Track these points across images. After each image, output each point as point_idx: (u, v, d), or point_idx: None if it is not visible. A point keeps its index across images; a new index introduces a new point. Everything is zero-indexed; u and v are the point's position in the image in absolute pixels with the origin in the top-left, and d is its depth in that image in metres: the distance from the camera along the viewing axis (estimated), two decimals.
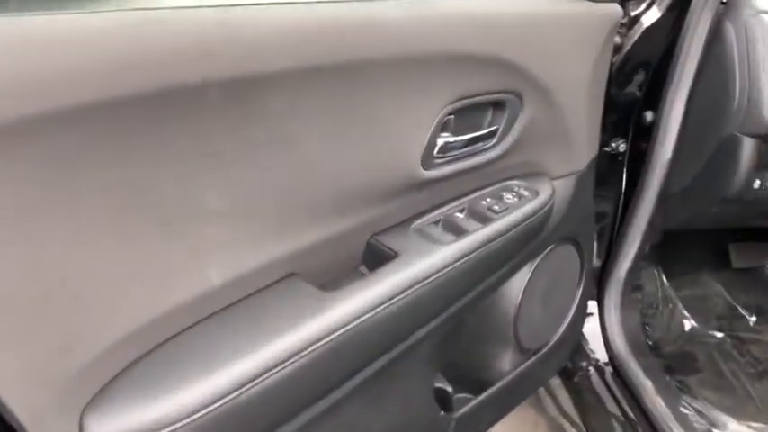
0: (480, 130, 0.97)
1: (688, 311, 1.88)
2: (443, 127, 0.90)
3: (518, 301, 1.16)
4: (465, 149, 0.95)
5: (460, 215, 1.00)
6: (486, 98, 0.94)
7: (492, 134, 0.99)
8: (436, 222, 0.98)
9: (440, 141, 0.91)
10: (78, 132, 0.52)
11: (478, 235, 0.95)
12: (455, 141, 0.93)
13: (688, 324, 1.87)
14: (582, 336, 1.59)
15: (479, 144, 0.98)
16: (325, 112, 0.72)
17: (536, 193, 1.07)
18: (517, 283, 1.16)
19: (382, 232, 0.93)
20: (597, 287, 1.59)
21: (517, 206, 1.03)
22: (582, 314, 1.45)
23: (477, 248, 0.94)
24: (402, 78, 0.79)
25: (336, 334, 0.75)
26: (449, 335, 1.09)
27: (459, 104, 0.89)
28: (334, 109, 0.73)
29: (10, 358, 0.52)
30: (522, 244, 1.07)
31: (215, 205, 0.66)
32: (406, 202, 0.93)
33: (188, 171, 0.62)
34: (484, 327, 1.17)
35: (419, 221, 0.96)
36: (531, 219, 1.04)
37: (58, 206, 0.53)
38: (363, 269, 0.94)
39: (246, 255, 0.73)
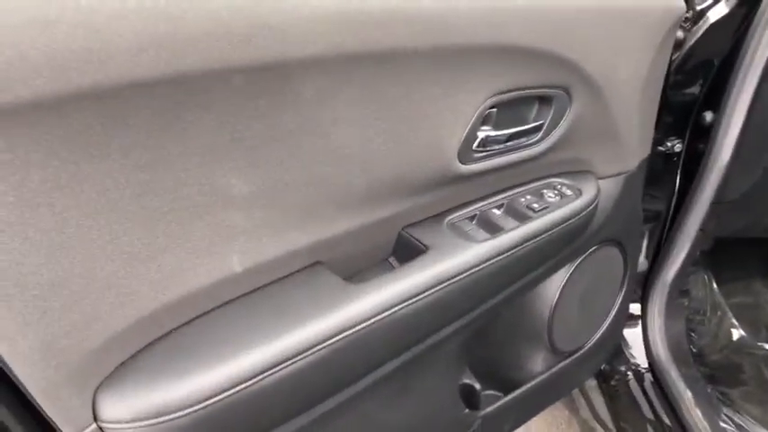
0: (524, 125, 0.93)
1: (737, 320, 1.80)
2: (484, 120, 0.86)
3: (554, 303, 1.13)
4: (507, 144, 0.92)
5: (497, 212, 0.97)
6: (533, 92, 0.90)
7: (536, 129, 0.95)
8: (471, 218, 0.95)
9: (480, 135, 0.88)
10: (104, 113, 0.52)
11: (514, 234, 0.92)
12: (497, 135, 0.90)
13: (736, 333, 1.79)
14: (623, 339, 1.54)
15: (522, 139, 0.94)
16: (359, 100, 0.70)
17: (579, 193, 1.03)
18: (554, 284, 1.13)
19: (414, 225, 0.90)
20: (642, 290, 1.54)
21: (558, 205, 0.99)
22: (622, 318, 1.40)
23: (513, 248, 0.91)
24: (443, 69, 0.76)
25: (360, 327, 0.74)
26: (479, 331, 1.07)
27: (502, 97, 0.85)
28: (369, 98, 0.71)
29: (27, 336, 0.53)
30: (562, 245, 1.03)
31: (238, 191, 0.65)
32: (440, 196, 0.90)
33: (212, 155, 0.61)
34: (517, 326, 1.14)
35: (453, 216, 0.94)
36: (573, 220, 1.00)
37: (82, 186, 0.53)
38: (393, 261, 0.92)
39: (270, 242, 0.72)
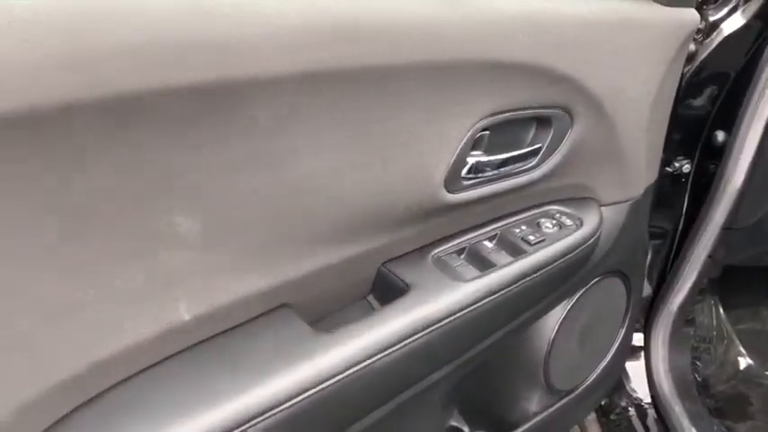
0: (520, 149, 0.84)
1: (745, 348, 1.70)
2: (475, 144, 0.77)
3: (551, 340, 1.03)
4: (500, 170, 0.82)
5: (489, 245, 0.87)
6: (529, 113, 0.80)
7: (533, 153, 0.86)
8: (460, 251, 0.85)
9: (470, 161, 0.78)
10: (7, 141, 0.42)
11: (507, 271, 0.82)
12: (489, 161, 0.81)
13: (744, 362, 1.68)
14: (623, 371, 1.44)
15: (518, 164, 0.84)
16: (325, 125, 0.60)
17: (580, 223, 0.94)
18: (551, 320, 1.03)
19: (395, 260, 0.81)
20: (645, 319, 1.44)
21: (557, 237, 0.90)
22: (624, 352, 1.31)
23: (506, 287, 0.81)
24: (427, 88, 0.67)
25: (332, 381, 0.65)
26: (469, 372, 0.97)
27: (495, 119, 0.76)
28: (337, 122, 0.61)
29: None
30: (560, 281, 0.94)
31: (181, 230, 0.56)
32: (425, 228, 0.81)
33: (147, 192, 0.51)
34: (510, 365, 1.05)
35: (440, 249, 0.84)
36: (573, 253, 0.90)
37: None
38: (372, 300, 0.83)
39: (224, 285, 0.62)
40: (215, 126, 0.52)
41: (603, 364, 1.21)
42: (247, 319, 0.67)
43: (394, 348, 0.70)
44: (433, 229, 0.83)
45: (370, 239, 0.74)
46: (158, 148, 0.50)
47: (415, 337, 0.72)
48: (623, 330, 1.22)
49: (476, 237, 0.88)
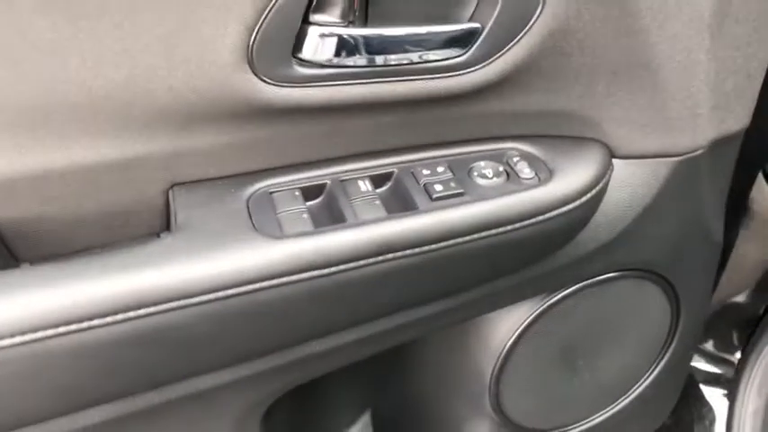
0: (432, 23, 0.48)
1: None
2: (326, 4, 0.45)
3: (500, 354, 0.67)
4: (388, 57, 0.48)
5: (364, 186, 0.53)
6: None
7: (462, 39, 0.49)
8: (311, 192, 0.53)
9: (316, 33, 0.46)
10: None
11: (359, 234, 0.49)
12: (356, 37, 0.47)
13: None
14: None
15: (429, 52, 0.49)
16: None
17: (548, 175, 0.56)
18: (503, 328, 0.66)
19: (190, 185, 0.50)
20: (742, 353, 0.98)
21: (487, 193, 0.53)
22: (668, 393, 0.89)
23: (345, 261, 0.48)
24: None
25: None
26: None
27: None
28: None
29: None
30: (486, 266, 0.57)
31: None
32: (242, 142, 0.50)
33: None
34: (431, 380, 0.70)
35: (273, 182, 0.52)
36: (514, 226, 0.53)
37: None
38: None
39: None
40: None
41: (619, 406, 0.80)
42: None
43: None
44: (258, 146, 0.51)
45: (135, 139, 0.45)
46: None
47: (118, 318, 0.43)
48: (663, 361, 0.80)
49: (349, 172, 0.54)
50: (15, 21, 0.39)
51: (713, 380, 1.12)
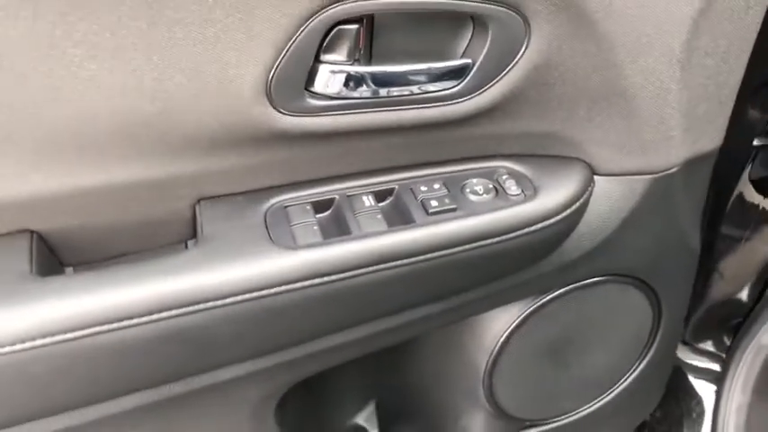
0: (429, 60, 0.54)
1: None
2: (335, 46, 0.51)
3: (493, 350, 0.74)
4: (390, 89, 0.54)
5: (368, 202, 0.60)
6: (439, 3, 0.51)
7: (456, 73, 0.55)
8: (321, 205, 0.60)
9: (328, 70, 0.52)
10: None
11: (361, 246, 0.55)
12: (362, 73, 0.53)
13: None
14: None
15: (426, 86, 0.55)
16: None
17: (533, 193, 0.62)
18: (496, 327, 0.73)
19: (214, 199, 0.57)
20: (727, 351, 1.04)
21: (478, 208, 0.60)
22: (650, 389, 0.95)
23: (350, 269, 0.55)
24: None
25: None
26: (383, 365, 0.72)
27: (366, 6, 0.48)
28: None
29: None
30: (477, 273, 0.63)
31: None
32: (260, 162, 0.57)
33: None
34: (432, 371, 0.77)
35: (288, 196, 0.59)
36: (501, 238, 0.59)
37: None
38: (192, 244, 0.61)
39: None
40: None
41: (605, 399, 0.87)
42: None
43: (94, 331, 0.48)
44: (275, 166, 0.57)
45: (167, 162, 0.52)
46: None
47: (159, 316, 0.49)
48: (646, 358, 0.86)
49: (355, 188, 0.60)
50: (58, 53, 0.44)
51: (702, 374, 1.17)
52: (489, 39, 0.53)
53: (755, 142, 0.81)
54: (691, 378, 1.18)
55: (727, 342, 1.15)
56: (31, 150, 0.47)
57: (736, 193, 0.89)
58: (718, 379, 1.07)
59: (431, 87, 0.55)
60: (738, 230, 0.95)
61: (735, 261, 1.00)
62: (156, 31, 0.44)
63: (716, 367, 1.16)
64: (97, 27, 0.43)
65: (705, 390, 1.16)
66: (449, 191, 0.61)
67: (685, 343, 1.14)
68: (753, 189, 0.89)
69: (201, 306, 0.50)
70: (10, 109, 0.45)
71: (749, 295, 1.05)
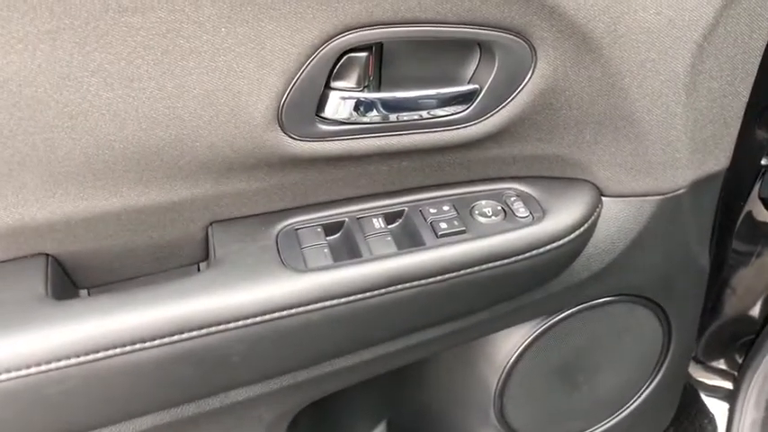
0: (438, 86, 0.56)
1: None
2: (345, 73, 0.52)
3: (504, 369, 0.74)
4: (400, 115, 0.55)
5: (378, 224, 0.60)
6: (444, 31, 0.52)
7: (464, 98, 0.56)
8: (331, 228, 0.61)
9: (337, 96, 0.53)
10: None
11: (371, 268, 0.56)
12: (371, 99, 0.54)
13: None
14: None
15: (435, 111, 0.56)
16: None
17: (542, 215, 0.62)
18: (507, 346, 0.73)
19: (226, 222, 0.58)
20: (739, 368, 1.03)
21: (487, 230, 0.60)
22: (662, 407, 0.94)
23: (359, 292, 0.55)
24: None
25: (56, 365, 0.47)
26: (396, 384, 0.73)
27: (384, 33, 0.49)
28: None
29: None
30: (486, 295, 0.64)
31: None
32: (271, 186, 0.58)
33: None
34: (446, 388, 0.77)
35: (298, 219, 0.60)
36: (511, 259, 0.60)
37: None
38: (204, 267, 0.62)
39: None
40: None
41: (616, 418, 0.87)
42: None
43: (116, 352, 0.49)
44: (286, 189, 0.58)
45: (180, 186, 0.53)
46: None
47: (172, 339, 0.50)
48: (657, 377, 0.86)
49: (365, 211, 0.61)
50: (75, 83, 0.45)
51: (715, 392, 1.17)
52: (496, 65, 0.54)
53: (764, 161, 0.82)
54: (703, 396, 1.17)
55: (739, 360, 1.14)
56: (47, 176, 0.49)
57: (745, 210, 0.89)
58: (730, 397, 1.06)
59: (439, 112, 0.56)
60: (749, 248, 0.95)
61: (745, 278, 1.00)
62: (169, 60, 0.46)
63: (728, 385, 1.15)
64: (112, 57, 0.44)
65: (717, 408, 1.15)
66: (458, 213, 0.62)
67: (697, 361, 1.13)
68: (762, 207, 0.89)
69: (214, 329, 0.51)
70: (27, 135, 0.46)
71: (760, 312, 1.05)
